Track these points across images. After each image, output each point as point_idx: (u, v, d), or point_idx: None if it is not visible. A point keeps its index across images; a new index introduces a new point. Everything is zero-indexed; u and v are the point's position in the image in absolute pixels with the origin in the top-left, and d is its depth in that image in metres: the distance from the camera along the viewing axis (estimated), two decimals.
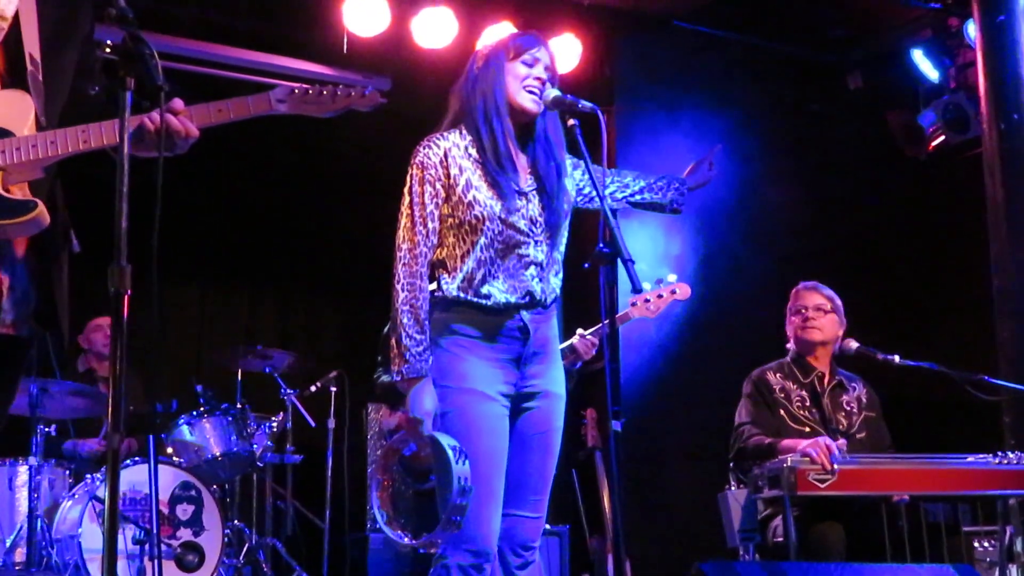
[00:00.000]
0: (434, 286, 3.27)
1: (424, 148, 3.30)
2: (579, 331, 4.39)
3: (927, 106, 6.92)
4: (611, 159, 6.05)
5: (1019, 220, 5.55)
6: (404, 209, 3.27)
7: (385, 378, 4.56)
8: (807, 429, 4.72)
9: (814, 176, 7.45)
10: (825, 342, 4.90)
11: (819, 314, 4.91)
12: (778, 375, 4.90)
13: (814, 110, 7.46)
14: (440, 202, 3.26)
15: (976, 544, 4.96)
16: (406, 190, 3.28)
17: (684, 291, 4.25)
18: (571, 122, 3.29)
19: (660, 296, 4.23)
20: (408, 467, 3.41)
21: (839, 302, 4.96)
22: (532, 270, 3.27)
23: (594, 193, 3.42)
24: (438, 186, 3.26)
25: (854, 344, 4.84)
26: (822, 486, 4.26)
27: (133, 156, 2.44)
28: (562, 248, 3.39)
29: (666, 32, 7.14)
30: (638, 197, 3.59)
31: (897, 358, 4.78)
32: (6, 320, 2.54)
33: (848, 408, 4.86)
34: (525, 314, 3.25)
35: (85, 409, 5.77)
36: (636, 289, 3.18)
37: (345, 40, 6.44)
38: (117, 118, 2.40)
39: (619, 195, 3.55)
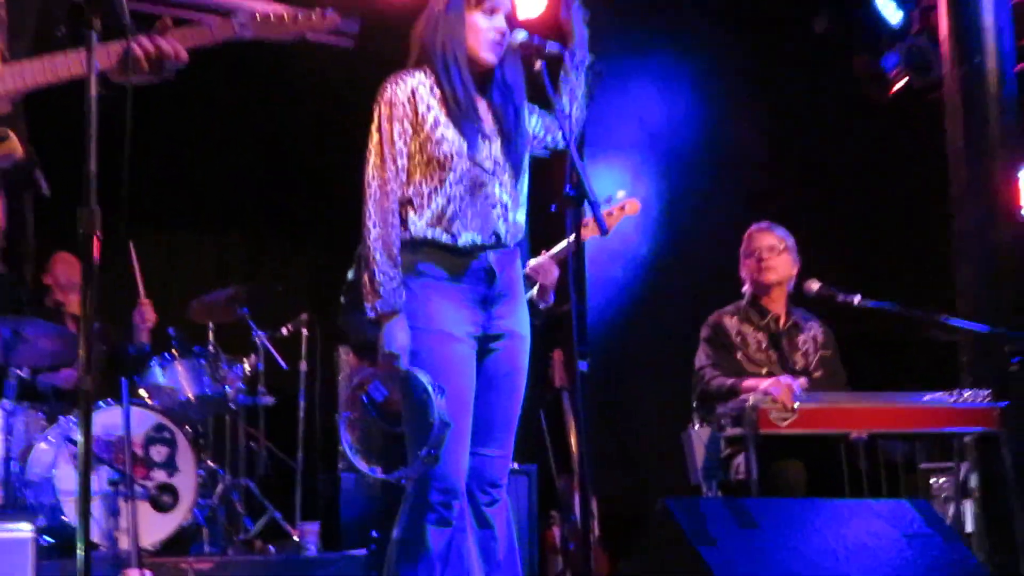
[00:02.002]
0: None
1: (391, 85, 3.29)
2: (543, 252, 4.28)
3: (890, 49, 6.91)
4: None
5: (979, 163, 5.58)
6: (372, 147, 3.26)
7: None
8: (764, 371, 4.77)
9: (779, 119, 7.45)
10: (780, 282, 4.93)
11: (772, 255, 4.92)
12: (735, 319, 4.93)
13: (779, 55, 7.43)
14: (408, 139, 3.26)
15: (932, 480, 5.04)
16: (374, 128, 3.27)
17: (633, 206, 4.15)
18: (538, 65, 3.28)
19: (610, 214, 4.16)
20: (381, 411, 3.43)
21: (792, 241, 4.97)
22: (498, 209, 3.29)
23: (550, 138, 3.47)
24: (406, 123, 3.25)
25: (815, 285, 4.85)
26: (783, 425, 4.32)
27: (117, 86, 2.44)
28: (524, 188, 3.40)
29: None
30: (571, 108, 3.45)
31: (857, 298, 4.79)
32: None
33: (804, 348, 4.90)
34: (491, 255, 3.26)
35: (59, 354, 5.73)
36: (603, 231, 3.20)
37: None
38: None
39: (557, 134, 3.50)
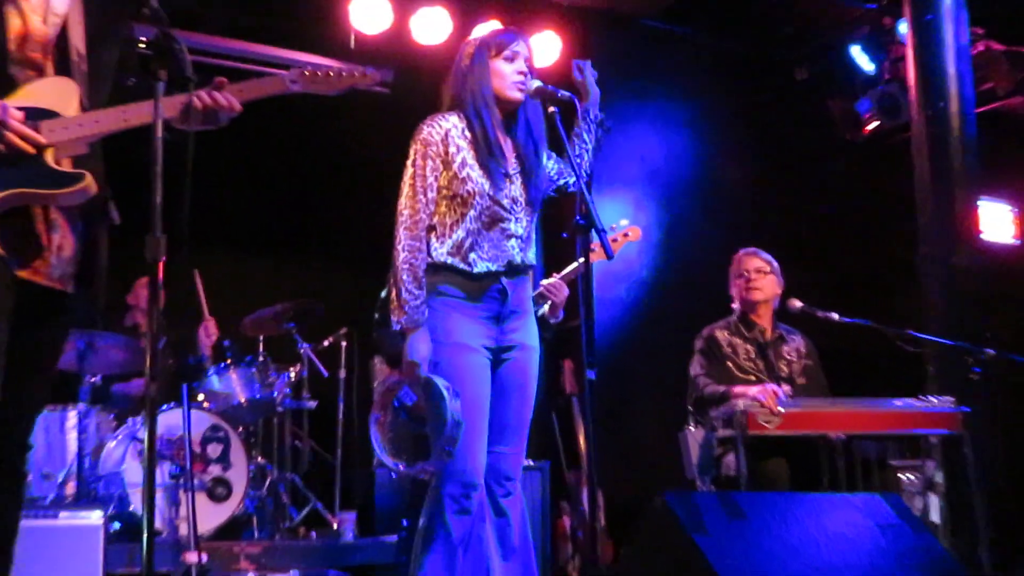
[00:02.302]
0: None
1: (428, 126, 3.31)
2: (554, 274, 4.29)
3: (864, 95, 6.93)
4: None
5: (943, 195, 5.58)
6: (407, 180, 3.28)
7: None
8: (753, 378, 4.75)
9: (765, 157, 7.46)
10: (766, 300, 4.91)
11: (759, 276, 4.92)
12: (725, 332, 4.91)
13: (765, 100, 7.45)
14: (438, 175, 3.28)
15: (902, 476, 5.00)
16: (409, 162, 3.29)
17: (635, 233, 4.12)
18: (551, 109, 3.30)
19: (614, 240, 4.13)
20: (411, 414, 3.44)
21: (776, 264, 4.97)
22: (513, 242, 3.30)
23: (562, 181, 3.50)
24: (438, 161, 3.27)
25: (798, 303, 4.85)
26: (770, 427, 4.30)
27: (181, 131, 2.48)
28: (535, 220, 3.42)
29: (635, 30, 7.12)
30: (583, 160, 3.52)
31: (836, 316, 4.80)
32: (54, 275, 2.55)
33: (789, 358, 4.88)
34: (504, 279, 3.27)
35: (127, 363, 5.77)
36: (609, 255, 3.20)
37: (352, 37, 6.41)
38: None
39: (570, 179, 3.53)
